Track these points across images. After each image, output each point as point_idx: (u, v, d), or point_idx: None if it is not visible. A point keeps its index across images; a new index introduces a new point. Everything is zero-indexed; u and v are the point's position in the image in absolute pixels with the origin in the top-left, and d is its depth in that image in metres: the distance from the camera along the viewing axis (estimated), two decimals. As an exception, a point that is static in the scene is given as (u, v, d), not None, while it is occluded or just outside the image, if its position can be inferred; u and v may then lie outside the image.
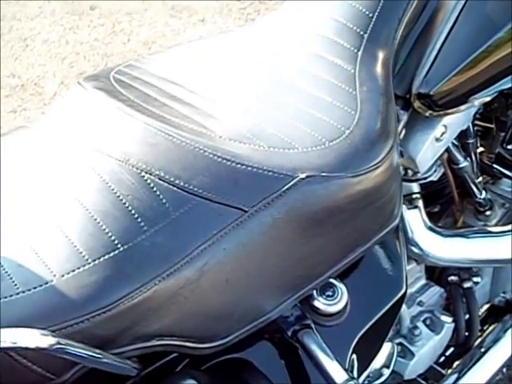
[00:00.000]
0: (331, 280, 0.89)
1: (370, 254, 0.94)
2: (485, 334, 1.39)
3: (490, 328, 1.41)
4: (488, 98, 1.11)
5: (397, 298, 0.96)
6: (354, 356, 0.91)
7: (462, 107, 1.06)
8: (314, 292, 0.89)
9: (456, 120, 1.10)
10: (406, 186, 1.18)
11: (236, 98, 0.88)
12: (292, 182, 0.77)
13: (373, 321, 0.93)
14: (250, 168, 0.77)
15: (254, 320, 0.82)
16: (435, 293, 1.32)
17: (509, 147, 1.23)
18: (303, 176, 0.77)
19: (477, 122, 1.29)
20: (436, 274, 1.36)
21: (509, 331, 1.37)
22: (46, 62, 2.48)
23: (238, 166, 0.77)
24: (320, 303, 0.89)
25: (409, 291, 1.28)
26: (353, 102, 0.87)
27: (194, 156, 0.77)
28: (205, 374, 0.83)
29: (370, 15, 0.96)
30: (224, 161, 0.77)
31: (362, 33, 0.95)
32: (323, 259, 0.84)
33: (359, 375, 0.99)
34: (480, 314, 1.52)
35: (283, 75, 0.92)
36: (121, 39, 2.55)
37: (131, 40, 2.54)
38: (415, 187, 1.18)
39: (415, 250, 1.20)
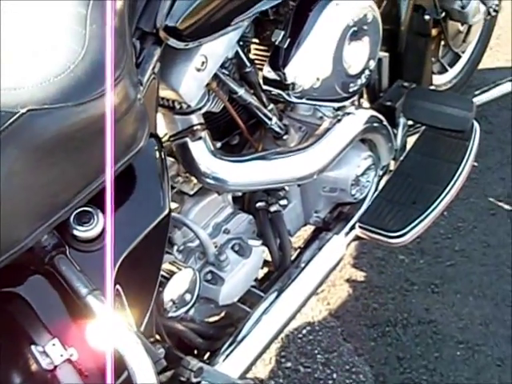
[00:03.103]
0: (86, 208, 1.01)
1: (126, 179, 1.07)
2: (301, 254, 1.54)
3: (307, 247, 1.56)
4: (245, 23, 1.25)
5: (159, 218, 1.09)
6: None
7: (215, 35, 1.19)
8: (71, 220, 1.01)
9: (215, 49, 1.22)
10: (187, 120, 1.31)
11: None
12: (14, 117, 0.88)
13: (135, 242, 1.05)
14: (-25, 110, 0.88)
15: (6, 251, 0.93)
16: (243, 220, 1.46)
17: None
18: (24, 110, 0.89)
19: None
20: (245, 202, 1.51)
21: (324, 247, 1.53)
22: None
23: None
24: (77, 230, 1.01)
25: (214, 221, 1.43)
26: (81, 40, 0.98)
27: None
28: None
29: (104, -42, 1.08)
30: None
31: None
32: (65, 187, 0.95)
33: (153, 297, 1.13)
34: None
35: (23, 22, 1.03)
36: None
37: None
38: (195, 119, 1.30)
39: (208, 180, 1.34)
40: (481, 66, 2.54)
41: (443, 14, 1.98)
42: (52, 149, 0.92)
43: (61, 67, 0.95)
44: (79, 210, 1.01)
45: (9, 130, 0.88)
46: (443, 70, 2.33)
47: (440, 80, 2.30)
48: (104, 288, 0.99)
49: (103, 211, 1.03)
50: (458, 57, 2.39)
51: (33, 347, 0.91)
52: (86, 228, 1.01)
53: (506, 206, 2.18)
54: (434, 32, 2.06)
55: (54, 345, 0.92)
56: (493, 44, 2.66)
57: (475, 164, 2.26)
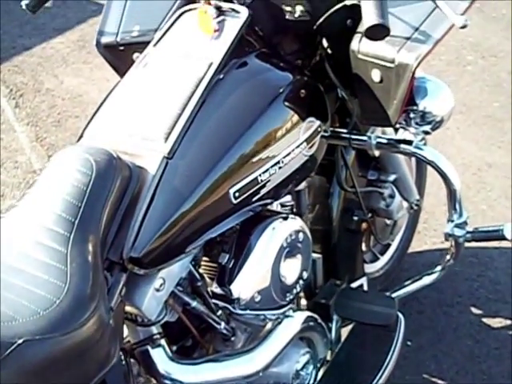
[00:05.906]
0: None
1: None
2: None
3: None
4: (195, 250, 1.54)
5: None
6: None
7: (172, 261, 1.48)
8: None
9: (172, 271, 1.51)
10: (148, 331, 1.58)
11: None
12: (13, 347, 1.14)
13: None
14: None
15: None
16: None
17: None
18: (21, 341, 1.15)
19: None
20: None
21: None
22: None
23: None
24: None
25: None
26: (63, 277, 1.26)
27: None
28: None
29: (79, 205, 1.37)
30: None
31: (73, 220, 1.35)
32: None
33: None
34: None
35: (14, 262, 1.30)
36: None
37: None
38: (154, 329, 1.57)
39: (167, 381, 1.59)
40: (410, 250, 2.88)
41: (370, 214, 2.32)
42: (42, 370, 1.18)
43: (48, 302, 1.23)
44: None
45: (9, 356, 1.14)
46: (375, 259, 2.66)
47: (372, 268, 2.62)
48: None
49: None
50: (388, 245, 2.73)
51: None
52: None
53: (440, 382, 2.45)
54: (364, 226, 2.40)
55: None
56: (420, 228, 3.01)
57: (409, 343, 2.56)
